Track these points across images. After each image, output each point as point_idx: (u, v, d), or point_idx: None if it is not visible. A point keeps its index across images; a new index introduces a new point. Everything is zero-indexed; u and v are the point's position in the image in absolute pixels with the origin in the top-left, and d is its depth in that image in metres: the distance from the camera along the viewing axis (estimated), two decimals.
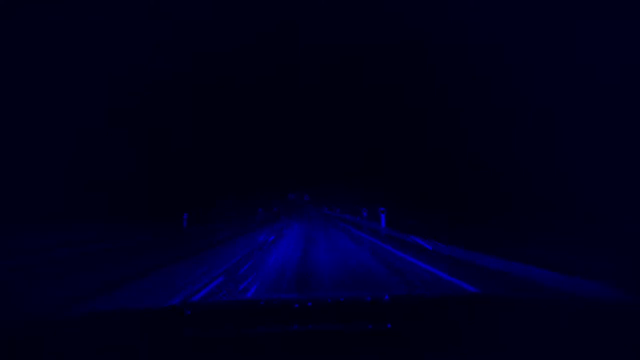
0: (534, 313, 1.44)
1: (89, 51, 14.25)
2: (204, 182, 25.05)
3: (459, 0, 14.66)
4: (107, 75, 15.04)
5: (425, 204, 17.70)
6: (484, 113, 14.97)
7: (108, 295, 4.56)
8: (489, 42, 13.34)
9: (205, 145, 25.70)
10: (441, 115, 18.92)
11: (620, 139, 9.37)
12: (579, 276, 4.91)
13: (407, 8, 17.02)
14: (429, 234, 11.61)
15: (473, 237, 9.13)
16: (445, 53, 16.49)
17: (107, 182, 14.77)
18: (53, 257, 7.69)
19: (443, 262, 6.76)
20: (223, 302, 2.09)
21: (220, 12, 19.88)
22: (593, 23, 9.58)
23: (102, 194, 14.31)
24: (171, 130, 20.42)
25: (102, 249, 9.03)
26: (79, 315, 1.59)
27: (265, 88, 30.57)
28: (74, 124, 13.66)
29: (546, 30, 11.19)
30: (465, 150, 16.04)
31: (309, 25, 22.10)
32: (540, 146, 11.64)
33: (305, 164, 60.92)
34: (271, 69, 27.29)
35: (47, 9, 12.62)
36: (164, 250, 9.28)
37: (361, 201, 28.01)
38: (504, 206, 12.22)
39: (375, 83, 25.87)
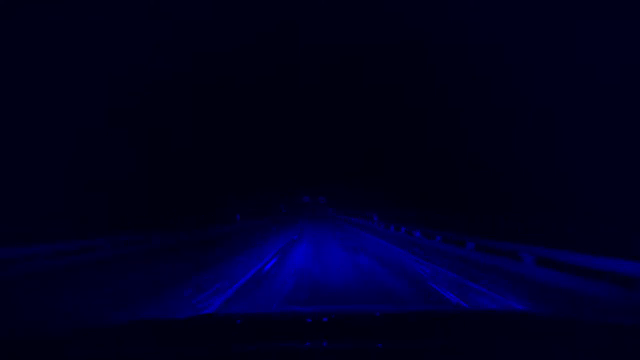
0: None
1: (89, 51, 14.24)
2: (205, 183, 25.04)
3: (459, 0, 14.66)
4: (107, 75, 15.03)
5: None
6: (483, 113, 14.97)
7: None
8: (489, 42, 13.34)
9: (206, 146, 25.69)
10: (442, 115, 18.92)
11: (620, 138, 9.36)
12: None
13: (407, 8, 17.02)
14: None
15: None
16: (445, 53, 16.50)
17: (107, 182, 14.75)
18: None
19: None
20: (242, 315, 2.06)
21: (220, 12, 19.89)
22: (593, 23, 9.57)
23: (102, 193, 14.28)
24: (171, 130, 20.42)
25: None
26: (94, 327, 1.55)
27: (266, 88, 30.59)
28: (74, 124, 13.64)
29: (546, 30, 11.19)
30: (466, 150, 16.01)
31: (309, 25, 22.12)
32: (540, 146, 11.63)
33: (316, 163, 58.69)
34: (271, 69, 27.29)
35: (47, 9, 12.61)
36: None
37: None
38: (504, 205, 12.21)
39: (375, 83, 25.89)
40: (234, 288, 5.58)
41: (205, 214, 20.44)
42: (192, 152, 23.16)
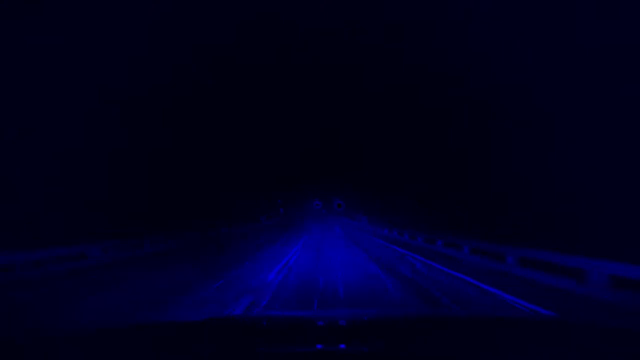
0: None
1: (88, 51, 14.22)
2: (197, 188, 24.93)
3: (459, 0, 14.57)
4: (104, 71, 14.96)
5: None
6: (484, 113, 14.87)
7: None
8: (489, 42, 13.23)
9: (205, 145, 25.63)
10: (443, 117, 18.81)
11: (622, 138, 9.25)
12: None
13: (408, 11, 16.93)
14: None
15: None
16: (446, 52, 16.39)
17: (106, 182, 14.77)
18: None
19: None
20: (246, 318, 2.11)
21: (218, 4, 19.80)
22: (594, 23, 9.46)
23: (102, 194, 14.30)
24: (171, 128, 20.41)
25: None
26: (96, 330, 1.57)
27: (269, 84, 30.25)
28: (73, 123, 13.65)
29: (546, 30, 11.08)
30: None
31: (310, 25, 22.09)
32: (540, 145, 11.53)
33: (325, 165, 54.07)
34: (278, 58, 26.61)
35: (47, 9, 12.61)
36: None
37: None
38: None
39: (376, 83, 25.83)
40: None
41: None
42: (192, 152, 23.15)
